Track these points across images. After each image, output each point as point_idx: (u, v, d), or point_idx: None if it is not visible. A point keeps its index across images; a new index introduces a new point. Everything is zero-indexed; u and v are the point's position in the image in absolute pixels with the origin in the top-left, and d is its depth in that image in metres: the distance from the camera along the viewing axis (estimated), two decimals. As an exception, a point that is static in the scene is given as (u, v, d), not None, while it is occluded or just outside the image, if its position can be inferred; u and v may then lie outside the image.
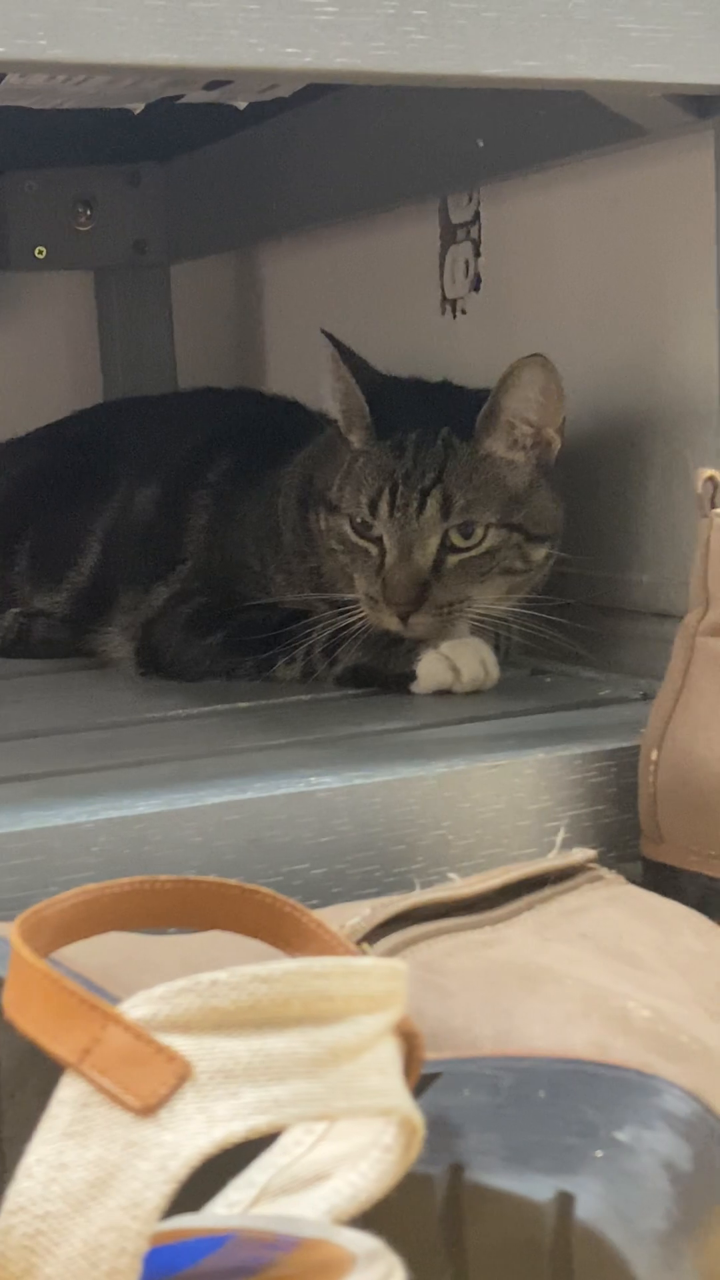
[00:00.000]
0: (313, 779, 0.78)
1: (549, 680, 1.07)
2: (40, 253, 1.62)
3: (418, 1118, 0.49)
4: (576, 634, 1.06)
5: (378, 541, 1.02)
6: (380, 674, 1.04)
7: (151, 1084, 0.45)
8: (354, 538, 1.03)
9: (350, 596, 1.04)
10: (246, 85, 1.22)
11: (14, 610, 1.29)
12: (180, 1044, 0.45)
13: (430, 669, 1.02)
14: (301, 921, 0.57)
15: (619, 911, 0.69)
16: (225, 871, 0.74)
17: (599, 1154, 0.52)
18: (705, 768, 0.76)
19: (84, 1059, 0.46)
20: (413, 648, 1.03)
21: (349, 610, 1.04)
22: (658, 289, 1.07)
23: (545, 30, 0.77)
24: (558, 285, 1.19)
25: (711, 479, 0.77)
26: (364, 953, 0.60)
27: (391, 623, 1.01)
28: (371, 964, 0.47)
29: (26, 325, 1.67)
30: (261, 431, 1.24)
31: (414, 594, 0.99)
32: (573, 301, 1.18)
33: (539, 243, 1.21)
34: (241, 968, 0.46)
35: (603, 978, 0.63)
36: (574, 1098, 0.55)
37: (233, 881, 0.58)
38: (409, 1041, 0.50)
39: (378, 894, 0.78)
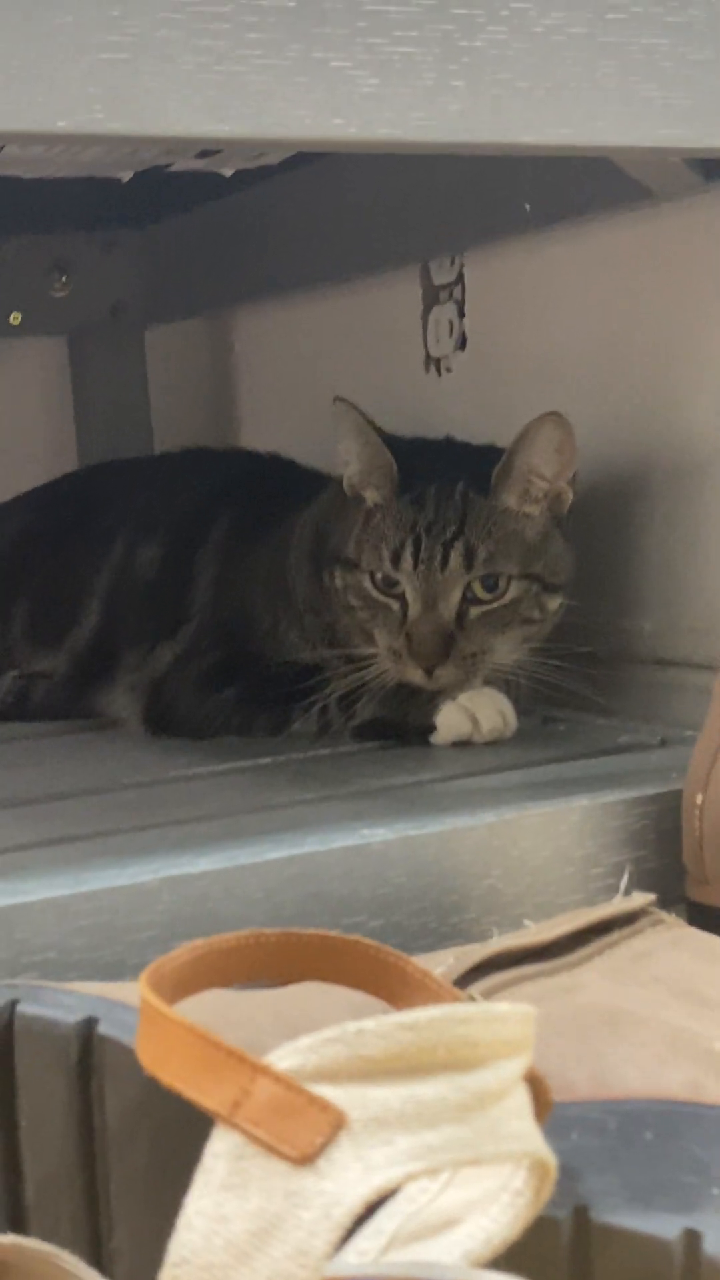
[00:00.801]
0: (366, 831, 0.79)
1: (563, 728, 1.09)
2: (15, 319, 1.63)
3: (552, 1161, 0.50)
4: (584, 681, 1.08)
5: (400, 596, 1.03)
6: (399, 727, 1.05)
7: (307, 1134, 0.46)
8: (375, 593, 1.04)
9: (367, 651, 1.05)
10: (237, 153, 1.24)
11: (12, 673, 1.29)
12: (331, 1093, 0.46)
13: (450, 720, 1.03)
14: (406, 971, 0.58)
15: (685, 954, 0.70)
16: (286, 926, 0.75)
17: (716, 1192, 0.53)
18: (753, 811, 0.78)
19: (235, 1111, 0.47)
20: (430, 699, 1.04)
21: (365, 665, 1.05)
22: (660, 345, 1.09)
23: (575, 99, 0.79)
24: (548, 342, 1.22)
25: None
26: (473, 1000, 0.61)
27: (416, 675, 1.02)
28: (509, 1009, 0.48)
29: (-1, 389, 1.67)
30: (259, 489, 1.26)
31: (439, 646, 1.01)
32: (565, 357, 1.20)
33: (528, 301, 1.24)
34: (387, 1016, 0.47)
35: (682, 1019, 0.64)
36: (681, 1138, 0.56)
37: (335, 933, 0.59)
38: (535, 1085, 0.51)
39: (433, 945, 0.79)
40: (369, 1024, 0.47)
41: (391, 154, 0.90)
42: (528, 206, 1.09)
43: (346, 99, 0.75)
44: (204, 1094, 0.47)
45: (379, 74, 0.75)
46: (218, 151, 1.23)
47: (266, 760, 1.03)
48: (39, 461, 1.58)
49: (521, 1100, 0.49)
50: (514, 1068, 0.48)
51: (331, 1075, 0.47)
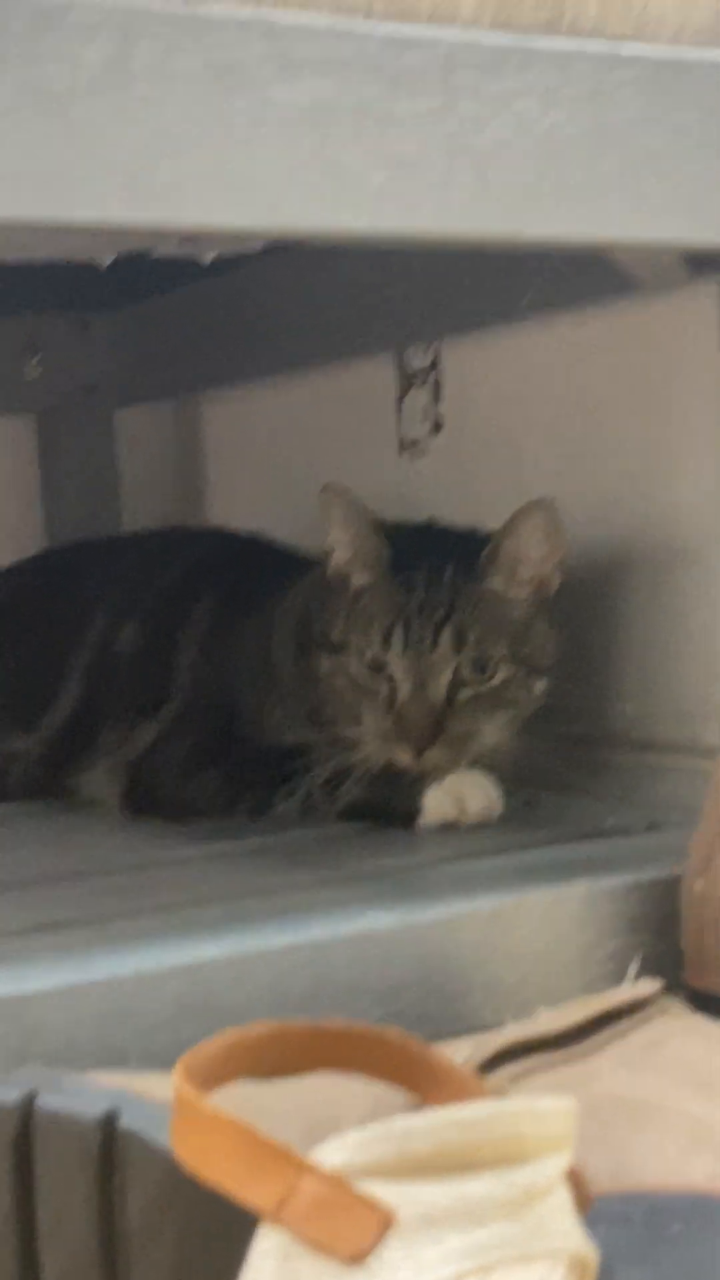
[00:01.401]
0: (369, 917, 0.79)
1: (548, 811, 1.09)
2: (-14, 398, 1.63)
3: (594, 1258, 0.50)
4: (566, 763, 1.09)
5: (388, 678, 1.04)
6: (384, 809, 1.05)
7: (356, 1232, 0.46)
8: (363, 674, 1.05)
9: (353, 733, 1.05)
10: (219, 241, 1.25)
11: (-13, 753, 1.28)
12: (379, 1191, 0.46)
13: (437, 803, 1.03)
14: (433, 1063, 0.58)
15: (695, 1042, 0.71)
16: (292, 1014, 0.75)
17: (749, 1285, 0.53)
18: (754, 897, 0.78)
19: (282, 1209, 0.46)
20: (416, 782, 1.04)
21: (350, 747, 1.05)
22: (642, 432, 1.11)
23: (579, 194, 0.81)
24: (525, 427, 1.23)
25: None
26: (504, 1093, 0.61)
27: (404, 757, 1.02)
28: (553, 1105, 0.48)
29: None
30: (242, 569, 1.26)
31: (429, 728, 1.01)
32: (542, 442, 1.22)
33: (505, 386, 1.25)
34: (435, 1113, 0.47)
35: (699, 1109, 0.65)
36: (709, 1230, 0.56)
37: (363, 1025, 0.59)
38: (575, 1180, 0.51)
39: (436, 1032, 0.79)
40: (417, 1120, 0.47)
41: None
42: (526, 301, 1.11)
43: (357, 194, 0.76)
44: (249, 1191, 0.47)
45: (388, 169, 0.76)
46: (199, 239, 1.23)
47: (254, 842, 1.02)
48: (4, 539, 1.58)
49: (565, 1196, 0.49)
50: (558, 1163, 0.48)
51: (379, 1172, 0.47)
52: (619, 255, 0.95)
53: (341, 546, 1.08)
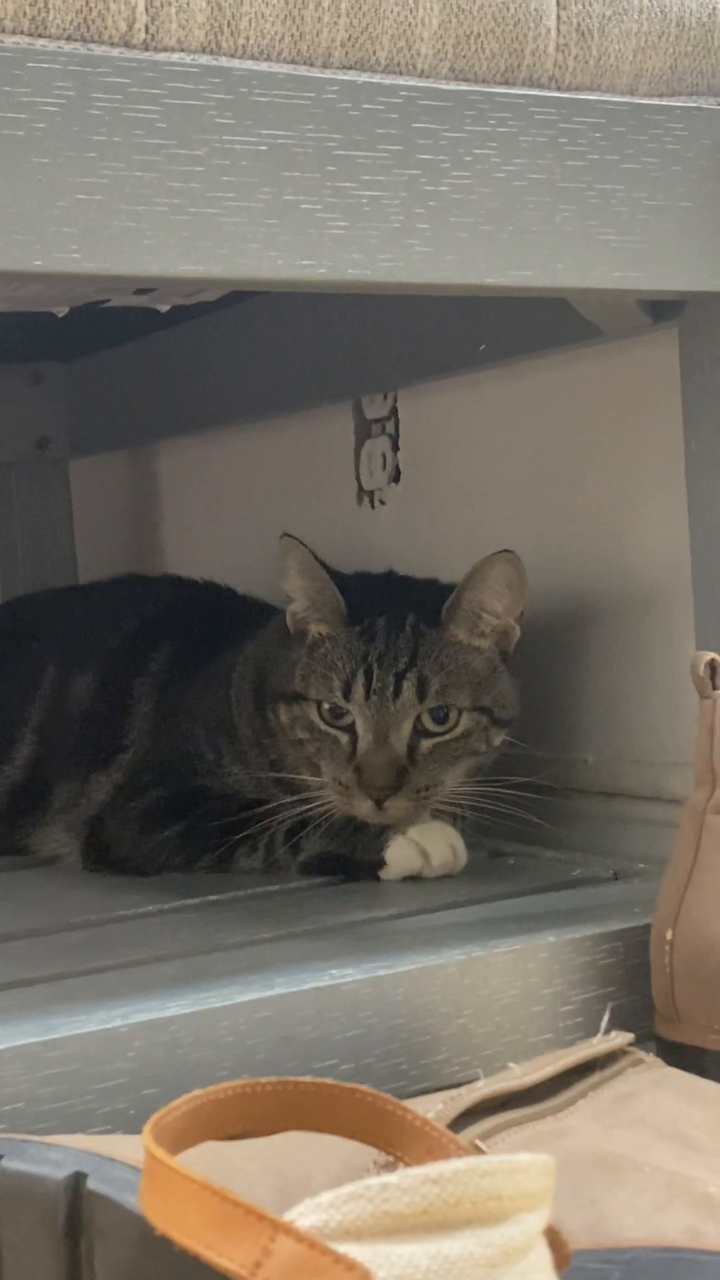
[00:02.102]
0: (334, 972, 0.78)
1: (512, 861, 1.08)
2: (-63, 452, 1.63)
3: (574, 1315, 0.48)
4: (529, 813, 1.08)
5: (348, 728, 1.03)
6: (348, 861, 1.04)
7: (333, 1295, 0.44)
8: (322, 724, 1.04)
9: (313, 783, 1.04)
10: (175, 290, 1.24)
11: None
12: (356, 1251, 0.45)
13: (400, 855, 1.02)
14: (406, 1119, 0.57)
15: (667, 1095, 0.70)
16: (258, 1071, 0.74)
17: (730, 1342, 0.52)
18: (724, 946, 0.77)
19: (256, 1272, 0.45)
20: (380, 833, 1.03)
21: (311, 798, 1.04)
22: (602, 480, 1.11)
23: (536, 243, 0.81)
24: (484, 475, 1.23)
25: (712, 662, 0.80)
26: (479, 1150, 0.60)
27: (364, 808, 1.01)
28: (531, 1161, 0.47)
29: None
30: (198, 619, 1.25)
31: (391, 779, 1.00)
32: (501, 491, 1.21)
33: (464, 434, 1.25)
34: (411, 1171, 0.46)
35: (673, 1163, 0.63)
36: (688, 1286, 0.55)
37: (331, 1081, 0.57)
38: (552, 1238, 0.50)
39: (405, 1087, 0.78)
40: (392, 1179, 0.46)
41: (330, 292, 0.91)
42: (483, 347, 1.10)
43: (316, 241, 0.76)
44: (222, 1254, 0.46)
45: (348, 216, 0.76)
46: (156, 288, 1.23)
47: (215, 897, 1.01)
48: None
49: (543, 1254, 0.48)
50: (536, 1221, 0.47)
51: (355, 1232, 0.46)
52: (578, 302, 0.95)
53: (299, 595, 1.07)
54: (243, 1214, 0.46)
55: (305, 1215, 0.46)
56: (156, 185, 0.72)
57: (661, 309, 0.96)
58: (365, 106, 0.77)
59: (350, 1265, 0.45)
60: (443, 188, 0.78)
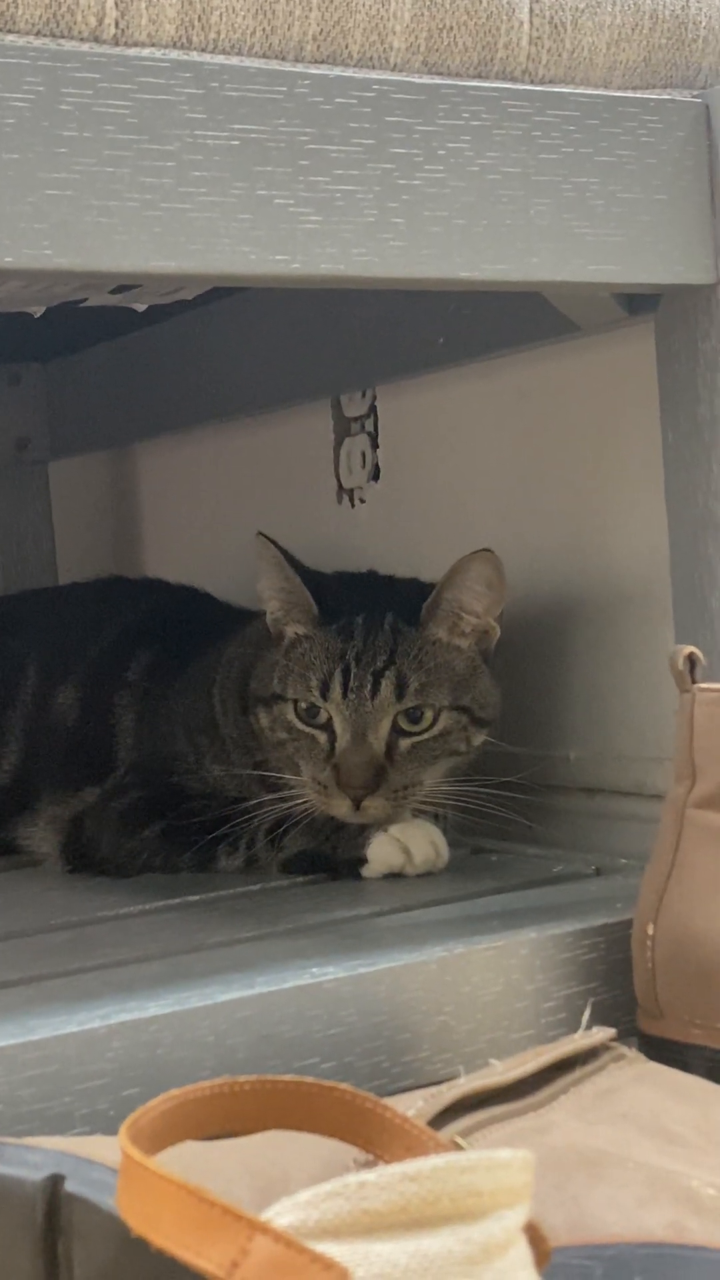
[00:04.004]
0: (315, 970, 0.78)
1: (494, 858, 1.08)
2: None
3: (556, 1312, 0.48)
4: (512, 810, 1.07)
5: (325, 727, 1.02)
6: (329, 859, 1.04)
7: (311, 1294, 0.44)
8: (299, 724, 1.03)
9: (295, 781, 1.04)
10: (152, 288, 1.24)
11: None
12: (334, 1250, 0.45)
13: (382, 852, 1.02)
14: (385, 1117, 0.56)
15: (650, 1090, 0.69)
16: (239, 1071, 0.73)
17: (714, 1337, 0.52)
18: (706, 940, 0.77)
19: (233, 1272, 0.45)
20: (361, 831, 1.03)
21: (291, 797, 1.03)
22: (581, 476, 1.11)
23: (510, 236, 0.81)
24: (464, 472, 1.23)
25: (691, 655, 0.80)
26: (458, 1146, 0.60)
27: (342, 808, 1.00)
28: (511, 1156, 0.47)
29: None
30: (176, 626, 1.24)
31: (369, 778, 0.99)
32: (481, 488, 1.21)
33: (443, 431, 1.24)
34: (390, 1168, 0.46)
35: (655, 1158, 0.63)
36: (671, 1281, 0.55)
37: (310, 1079, 0.57)
38: (532, 1233, 0.50)
39: (386, 1085, 0.78)
40: (370, 1176, 0.45)
41: (305, 289, 0.91)
42: (441, 340, 1.10)
43: (290, 235, 0.75)
44: (199, 1254, 0.45)
45: (321, 211, 0.76)
46: (134, 287, 1.23)
47: (195, 897, 1.00)
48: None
49: (524, 1250, 0.48)
50: (516, 1217, 0.47)
51: (334, 1231, 0.45)
52: (554, 296, 0.95)
53: (276, 594, 1.06)
54: (219, 1214, 0.46)
55: (283, 1214, 0.46)
56: (128, 181, 0.71)
57: (637, 303, 0.95)
58: (338, 100, 0.76)
59: (328, 1264, 0.44)
60: (416, 181, 0.78)
